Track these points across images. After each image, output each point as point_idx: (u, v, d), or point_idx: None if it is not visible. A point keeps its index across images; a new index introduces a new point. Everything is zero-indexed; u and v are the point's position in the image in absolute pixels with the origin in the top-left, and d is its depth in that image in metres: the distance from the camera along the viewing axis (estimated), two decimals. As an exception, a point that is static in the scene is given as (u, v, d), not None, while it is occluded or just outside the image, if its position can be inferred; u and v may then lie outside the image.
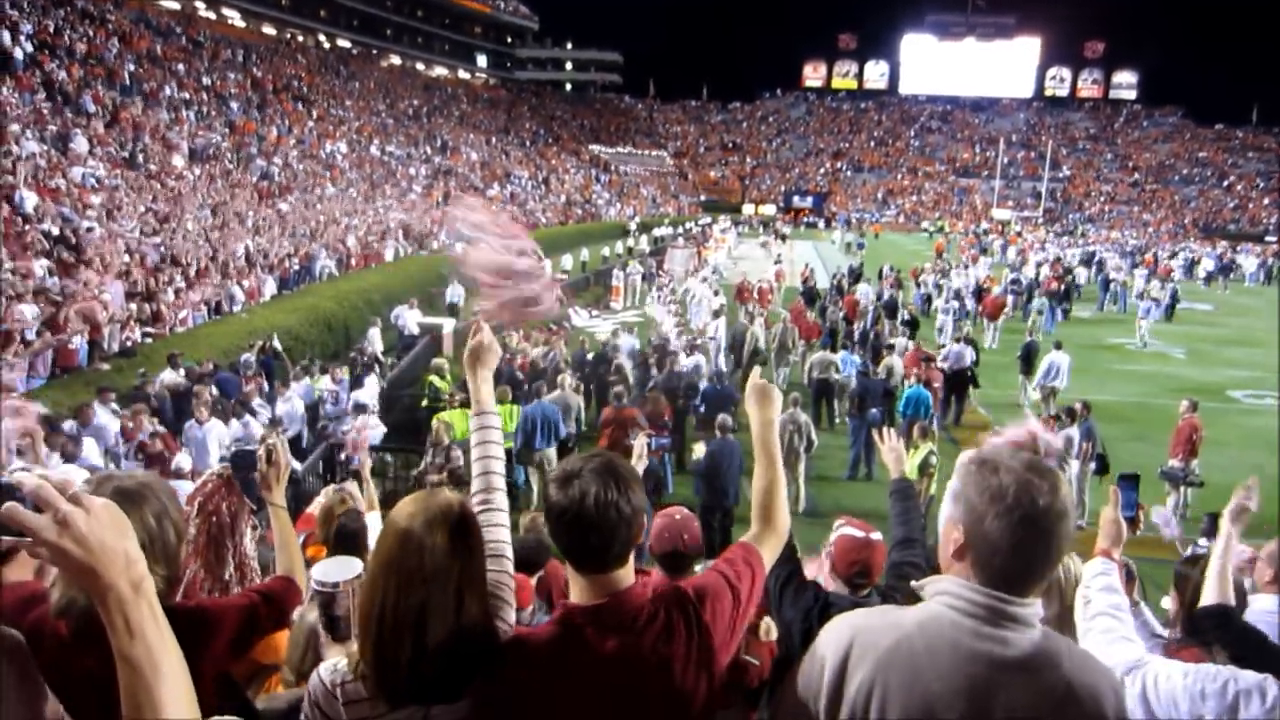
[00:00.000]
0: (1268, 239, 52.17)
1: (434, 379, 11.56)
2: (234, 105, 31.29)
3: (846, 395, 12.70)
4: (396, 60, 60.62)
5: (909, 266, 28.84)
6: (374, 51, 58.37)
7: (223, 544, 2.39)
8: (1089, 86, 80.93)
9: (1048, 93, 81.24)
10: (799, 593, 2.35)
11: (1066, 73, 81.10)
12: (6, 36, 21.56)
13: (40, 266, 12.13)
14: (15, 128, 17.50)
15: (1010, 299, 22.15)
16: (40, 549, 0.96)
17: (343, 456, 8.85)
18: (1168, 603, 3.17)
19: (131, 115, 23.29)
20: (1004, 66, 79.90)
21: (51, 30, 24.72)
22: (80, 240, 13.95)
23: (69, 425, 7.92)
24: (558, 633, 1.62)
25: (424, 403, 10.82)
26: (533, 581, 3.86)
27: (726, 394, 10.78)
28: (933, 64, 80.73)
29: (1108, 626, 2.04)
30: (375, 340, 14.64)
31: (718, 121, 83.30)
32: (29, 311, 10.43)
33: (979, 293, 22.50)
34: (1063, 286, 24.74)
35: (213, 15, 44.43)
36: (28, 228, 13.49)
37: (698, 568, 2.92)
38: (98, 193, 17.34)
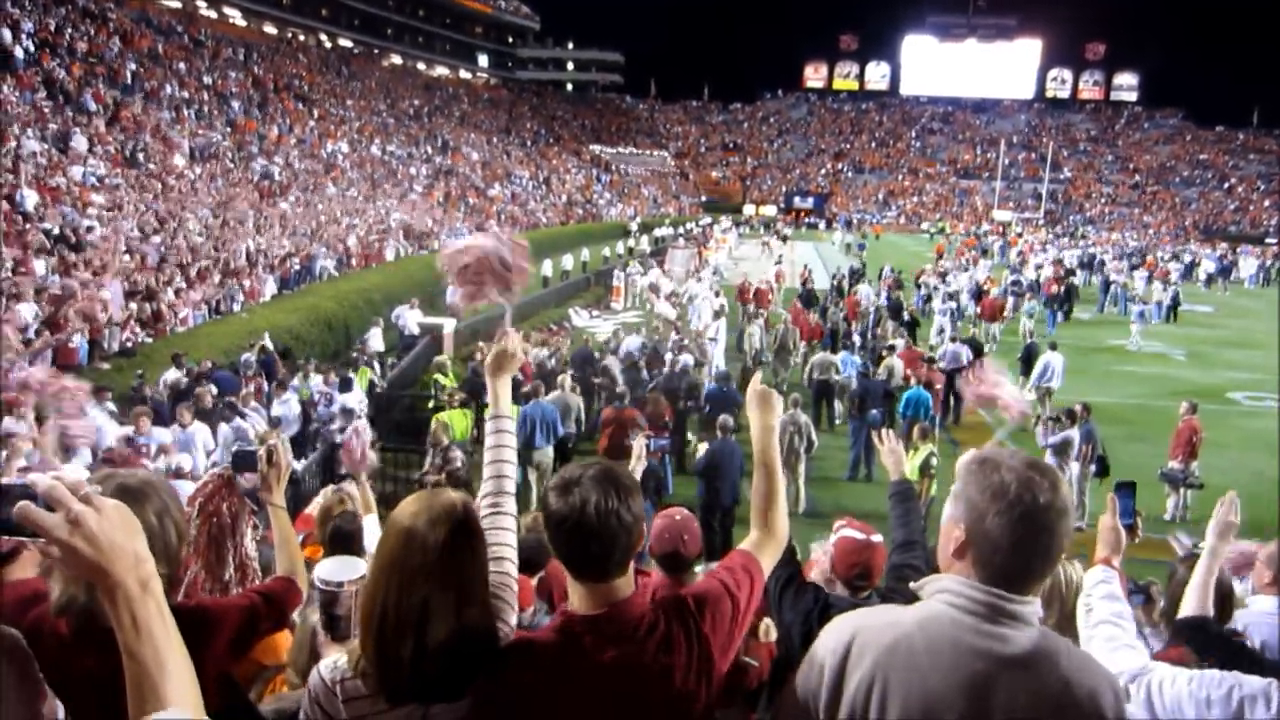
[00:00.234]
0: (1268, 241, 52.16)
1: (438, 377, 11.57)
2: (235, 104, 31.30)
3: (847, 396, 12.71)
4: (398, 60, 60.64)
5: (910, 268, 28.85)
6: (375, 51, 58.41)
7: (223, 545, 2.39)
8: (1090, 88, 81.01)
9: (1049, 94, 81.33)
10: (799, 595, 2.35)
11: (1067, 74, 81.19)
12: (7, 34, 21.57)
13: (41, 265, 12.14)
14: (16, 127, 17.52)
15: (1010, 300, 22.19)
16: (52, 547, 1.00)
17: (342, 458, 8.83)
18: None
19: (132, 114, 23.30)
20: (1005, 68, 79.97)
21: (52, 28, 24.72)
22: (81, 239, 13.96)
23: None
24: (558, 640, 1.62)
25: (430, 404, 10.79)
26: (533, 582, 3.85)
27: (730, 395, 10.78)
28: (934, 65, 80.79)
29: (1111, 634, 2.04)
30: (376, 340, 14.65)
31: (719, 122, 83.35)
32: (28, 311, 10.43)
33: (979, 294, 22.51)
34: (1063, 288, 24.76)
35: (214, 14, 44.43)
36: (28, 226, 13.51)
37: (698, 569, 2.93)
38: (98, 191, 17.36)
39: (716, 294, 20.47)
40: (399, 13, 62.04)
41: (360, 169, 35.06)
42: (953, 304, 20.45)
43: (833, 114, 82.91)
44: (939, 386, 12.10)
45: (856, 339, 16.87)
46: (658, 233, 42.48)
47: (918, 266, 29.42)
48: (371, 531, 3.64)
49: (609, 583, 1.61)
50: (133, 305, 12.59)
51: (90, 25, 27.35)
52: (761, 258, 34.20)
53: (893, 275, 24.84)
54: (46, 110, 20.01)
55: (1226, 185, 67.96)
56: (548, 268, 25.57)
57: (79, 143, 19.19)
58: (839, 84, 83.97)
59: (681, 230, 45.49)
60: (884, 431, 3.18)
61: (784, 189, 72.14)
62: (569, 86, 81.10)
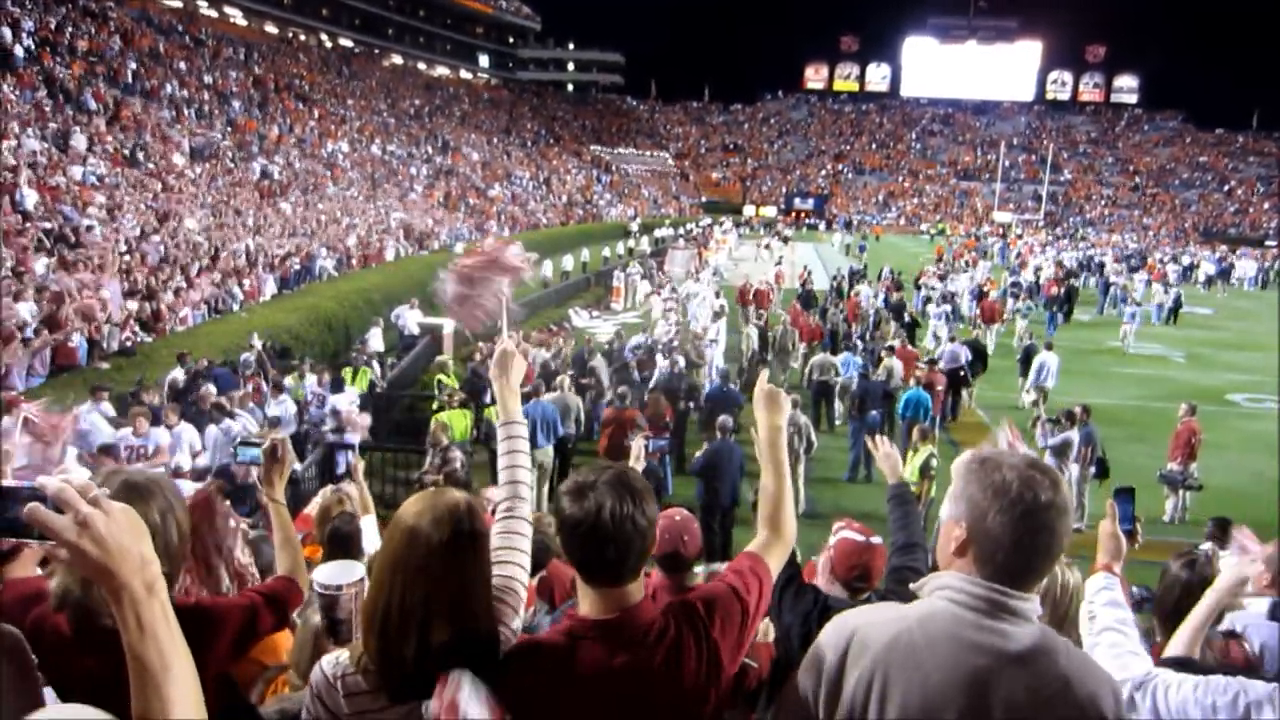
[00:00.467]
0: (1268, 243, 52.18)
1: (441, 378, 11.57)
2: (235, 104, 31.30)
3: (847, 397, 12.71)
4: (398, 60, 60.64)
5: (910, 269, 28.84)
6: (376, 51, 58.41)
7: (212, 561, 2.39)
8: (1090, 90, 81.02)
9: (1049, 96, 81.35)
10: (799, 596, 2.35)
11: (1068, 76, 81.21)
12: (8, 33, 21.57)
13: (40, 264, 12.13)
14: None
15: (1010, 302, 22.17)
16: (60, 549, 1.02)
17: (339, 458, 8.83)
18: None
19: (132, 113, 23.29)
20: (1005, 70, 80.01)
21: (53, 27, 24.73)
22: (80, 238, 13.95)
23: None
24: (566, 644, 1.62)
25: (434, 404, 10.78)
26: (534, 582, 3.86)
27: (731, 396, 10.79)
28: (934, 67, 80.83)
29: (1114, 641, 2.04)
30: (376, 340, 14.65)
31: (719, 123, 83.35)
32: (27, 310, 10.42)
33: (980, 295, 22.51)
34: (1063, 290, 24.76)
35: (215, 13, 44.42)
36: (28, 225, 13.50)
37: (698, 569, 2.93)
38: (98, 191, 17.35)
39: (716, 295, 20.46)
40: (400, 13, 62.04)
41: (360, 169, 35.06)
42: (947, 307, 20.43)
43: (833, 115, 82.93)
44: (939, 388, 12.11)
45: (857, 341, 16.86)
46: (658, 233, 42.47)
47: (918, 268, 29.40)
48: (369, 532, 3.65)
49: (622, 587, 1.62)
50: (132, 305, 12.58)
51: (91, 24, 27.36)
52: (761, 258, 34.20)
53: (892, 277, 24.83)
54: (47, 109, 20.00)
55: (1226, 188, 68.01)
56: (548, 268, 25.55)
57: (79, 142, 19.18)
58: (839, 85, 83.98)
59: (682, 231, 45.46)
60: (878, 437, 3.19)
61: (784, 190, 72.13)
62: (569, 87, 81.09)
